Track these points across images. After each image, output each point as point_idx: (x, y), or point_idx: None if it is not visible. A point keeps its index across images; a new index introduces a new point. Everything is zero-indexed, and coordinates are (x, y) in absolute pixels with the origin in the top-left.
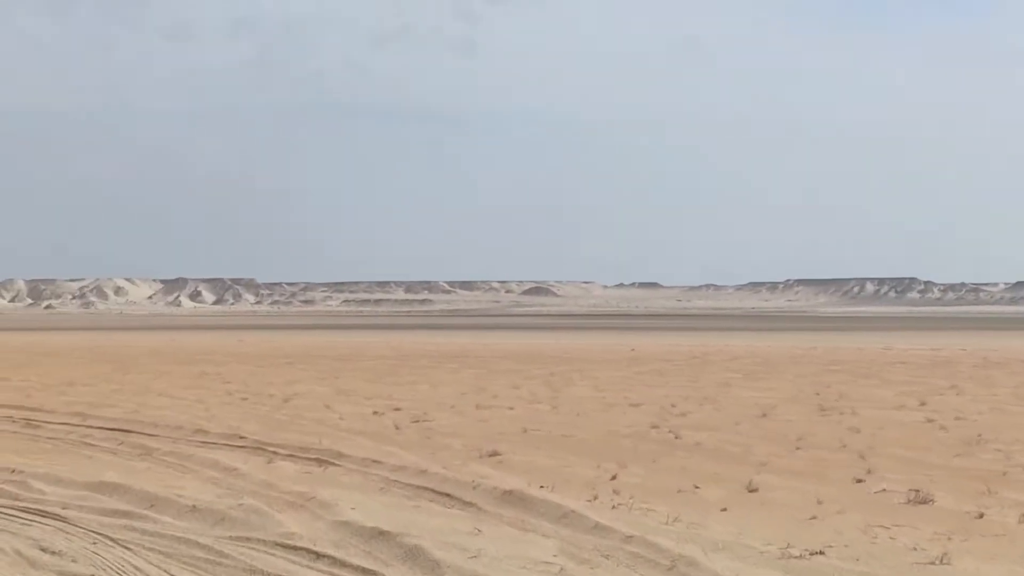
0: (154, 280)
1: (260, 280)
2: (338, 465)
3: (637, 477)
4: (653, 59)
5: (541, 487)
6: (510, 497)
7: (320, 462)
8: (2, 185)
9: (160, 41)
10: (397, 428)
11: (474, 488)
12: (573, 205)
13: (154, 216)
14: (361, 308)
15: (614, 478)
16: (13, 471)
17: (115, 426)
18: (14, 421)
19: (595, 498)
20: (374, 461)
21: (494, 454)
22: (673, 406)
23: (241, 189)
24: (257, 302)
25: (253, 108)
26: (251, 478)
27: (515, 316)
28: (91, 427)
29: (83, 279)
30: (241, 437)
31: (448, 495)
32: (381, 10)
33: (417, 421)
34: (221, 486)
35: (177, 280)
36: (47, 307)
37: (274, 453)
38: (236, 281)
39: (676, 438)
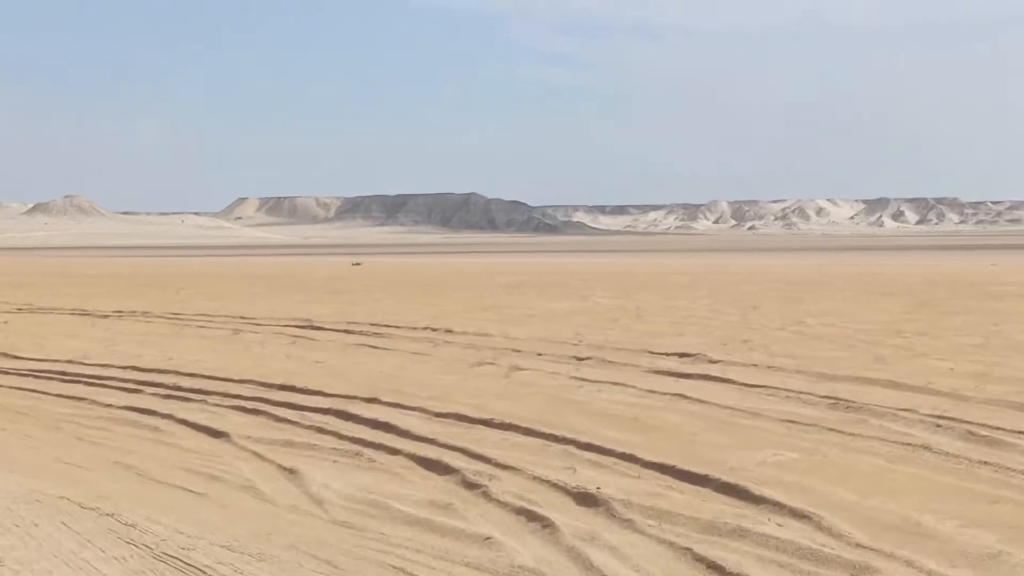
0: (856, 200)
1: (964, 199)
2: None
3: None
4: None
5: None
6: None
7: None
8: (710, 107)
9: None
10: None
11: None
12: None
13: (856, 136)
14: None
15: None
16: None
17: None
18: (810, 403)
19: None
20: None
21: None
22: None
23: (934, 107)
24: (961, 221)
25: (953, 20)
26: None
27: None
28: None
29: (785, 200)
30: None
31: None
32: None
33: None
34: None
35: (879, 200)
36: (749, 228)
37: None
38: (939, 200)
39: None
